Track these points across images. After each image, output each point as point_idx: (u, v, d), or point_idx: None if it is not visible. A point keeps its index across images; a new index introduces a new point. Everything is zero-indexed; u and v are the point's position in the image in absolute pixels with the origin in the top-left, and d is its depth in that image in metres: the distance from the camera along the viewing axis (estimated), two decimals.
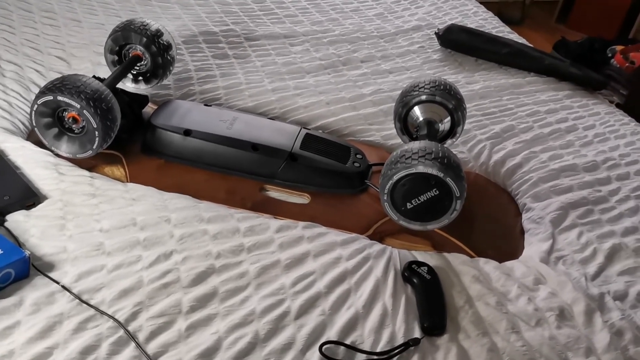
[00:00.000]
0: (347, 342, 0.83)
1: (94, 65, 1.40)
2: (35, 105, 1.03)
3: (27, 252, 0.85)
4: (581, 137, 1.40)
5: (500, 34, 1.88)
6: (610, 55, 2.87)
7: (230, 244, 0.96)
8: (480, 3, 2.18)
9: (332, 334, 0.84)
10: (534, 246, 1.07)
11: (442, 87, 1.16)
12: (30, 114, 1.04)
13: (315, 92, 1.46)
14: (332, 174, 1.13)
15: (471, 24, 1.94)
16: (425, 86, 1.17)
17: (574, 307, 0.93)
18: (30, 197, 0.99)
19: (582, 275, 0.99)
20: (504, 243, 1.11)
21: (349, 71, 1.59)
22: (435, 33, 1.80)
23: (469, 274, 0.98)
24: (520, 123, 1.43)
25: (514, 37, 1.90)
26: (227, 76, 1.47)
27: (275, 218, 1.05)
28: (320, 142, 1.18)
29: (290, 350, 0.80)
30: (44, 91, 1.02)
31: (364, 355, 0.82)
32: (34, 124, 1.05)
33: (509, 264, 1.03)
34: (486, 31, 1.87)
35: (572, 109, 1.53)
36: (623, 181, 1.26)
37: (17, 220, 0.95)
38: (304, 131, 1.20)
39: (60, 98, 1.00)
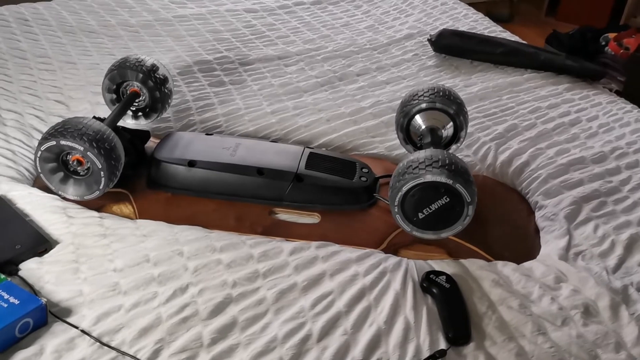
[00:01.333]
0: None
1: (92, 106, 1.41)
2: (39, 152, 1.03)
3: (44, 300, 0.84)
4: (585, 129, 1.39)
5: (492, 34, 1.88)
6: (603, 43, 2.87)
7: (245, 271, 0.95)
8: (469, 4, 2.18)
9: (356, 353, 0.83)
10: (550, 244, 1.06)
11: (441, 94, 1.16)
12: (35, 161, 1.04)
13: (315, 110, 1.46)
14: (340, 191, 1.13)
15: (462, 27, 1.95)
16: (425, 94, 1.17)
17: (599, 302, 0.92)
18: (41, 244, 0.98)
19: (603, 269, 0.98)
20: (519, 244, 1.10)
21: (345, 86, 1.59)
22: (428, 39, 1.80)
23: (488, 278, 0.96)
24: (523, 121, 1.42)
25: (507, 35, 1.91)
26: (226, 103, 1.47)
27: (287, 240, 1.04)
28: (325, 160, 1.18)
29: None
30: (46, 137, 1.02)
31: None
32: (39, 170, 1.05)
33: (527, 264, 1.01)
34: (478, 33, 1.87)
35: (573, 101, 1.52)
36: (633, 169, 1.25)
37: (30, 268, 0.94)
38: (307, 150, 1.20)
39: (63, 142, 1.00)
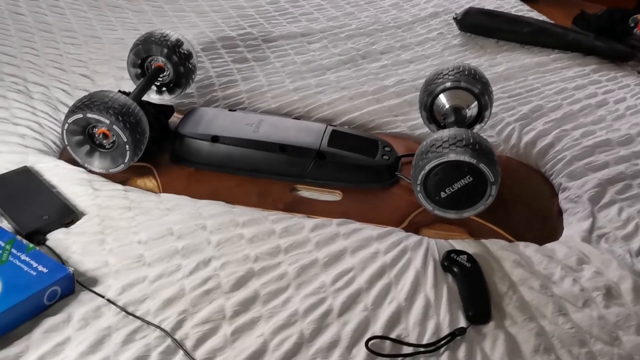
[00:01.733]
0: (392, 336, 0.83)
1: (117, 80, 1.42)
2: (66, 124, 1.04)
3: (71, 269, 0.86)
4: (612, 111, 1.37)
5: (519, 13, 1.85)
6: (632, 25, 2.80)
7: (267, 246, 0.96)
8: None
9: (376, 329, 0.84)
10: (573, 226, 1.05)
11: (466, 73, 1.15)
12: (62, 133, 1.06)
13: (337, 87, 1.46)
14: (361, 169, 1.13)
15: (489, 5, 1.92)
16: (449, 73, 1.16)
17: (621, 284, 0.91)
18: (68, 215, 1.00)
19: (627, 251, 0.97)
20: (542, 225, 1.09)
21: (369, 64, 1.58)
22: (454, 18, 1.78)
23: (509, 259, 0.96)
24: (549, 102, 1.40)
25: (534, 14, 1.87)
26: (249, 80, 1.48)
27: (308, 217, 1.05)
28: (347, 137, 1.18)
29: (336, 348, 0.80)
30: (73, 110, 1.03)
31: (410, 349, 0.81)
32: (66, 143, 1.07)
33: (549, 245, 1.01)
34: (505, 11, 1.84)
35: (600, 83, 1.50)
36: None
37: (57, 238, 0.96)
38: (330, 128, 1.20)
39: (89, 115, 1.02)
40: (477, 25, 1.72)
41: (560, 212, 1.11)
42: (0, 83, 1.35)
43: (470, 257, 0.95)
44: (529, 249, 0.99)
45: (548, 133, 1.29)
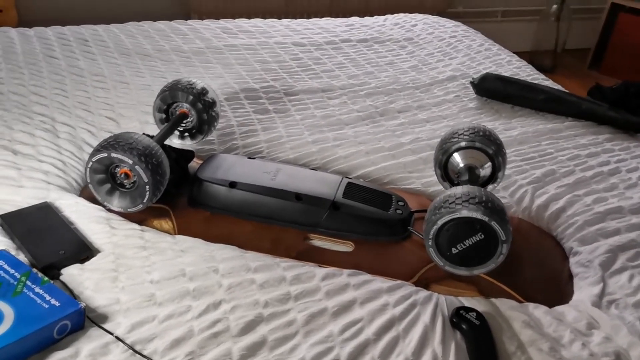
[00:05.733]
0: None
1: (141, 124, 1.47)
2: (90, 163, 1.08)
3: (82, 304, 0.88)
4: (625, 179, 1.38)
5: (535, 81, 1.90)
6: None
7: (277, 292, 0.97)
8: (512, 52, 2.21)
9: None
10: (584, 290, 1.05)
11: (481, 133, 1.18)
12: (85, 171, 1.09)
13: (355, 142, 1.49)
14: (374, 222, 1.14)
15: (505, 72, 1.97)
16: (465, 133, 1.18)
17: (631, 351, 0.90)
18: (84, 251, 1.02)
19: (637, 319, 0.97)
20: (552, 288, 1.09)
21: (386, 121, 1.62)
22: (470, 82, 1.82)
23: (519, 319, 0.96)
24: (561, 167, 1.42)
25: (549, 83, 1.91)
26: (268, 130, 1.52)
27: (320, 266, 1.06)
28: (362, 190, 1.20)
29: None
30: (98, 149, 1.07)
31: None
32: (88, 180, 1.10)
33: (559, 308, 1.01)
34: (521, 79, 1.89)
35: (613, 152, 1.51)
36: None
37: (72, 273, 0.98)
38: (345, 180, 1.22)
39: (114, 155, 1.05)
40: (493, 90, 1.77)
41: (570, 276, 1.11)
42: (29, 121, 1.41)
43: (479, 315, 0.94)
44: (538, 311, 0.99)
45: (560, 197, 1.30)
